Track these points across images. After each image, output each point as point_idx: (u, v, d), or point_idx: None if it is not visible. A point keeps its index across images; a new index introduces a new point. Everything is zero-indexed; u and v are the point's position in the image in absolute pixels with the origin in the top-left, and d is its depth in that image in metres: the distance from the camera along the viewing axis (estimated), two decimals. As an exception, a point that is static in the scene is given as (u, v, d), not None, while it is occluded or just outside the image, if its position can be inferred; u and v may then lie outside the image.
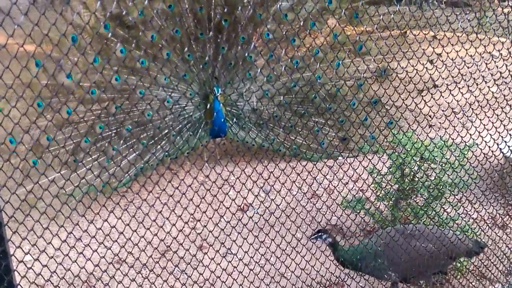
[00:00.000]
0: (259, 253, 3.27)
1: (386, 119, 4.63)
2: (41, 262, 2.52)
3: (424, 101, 3.00)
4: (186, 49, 4.84)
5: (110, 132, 4.71)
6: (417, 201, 3.56)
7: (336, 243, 3.41)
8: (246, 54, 4.98)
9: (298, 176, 3.65)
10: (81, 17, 4.25)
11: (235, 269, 3.23)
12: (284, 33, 4.91)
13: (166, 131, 4.97)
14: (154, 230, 3.51)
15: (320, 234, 3.38)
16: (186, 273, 3.48)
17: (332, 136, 5.27)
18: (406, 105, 2.96)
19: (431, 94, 3.29)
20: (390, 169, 3.32)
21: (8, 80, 1.91)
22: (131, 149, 4.78)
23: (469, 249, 3.47)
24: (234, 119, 5.24)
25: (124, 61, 4.63)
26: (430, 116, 3.18)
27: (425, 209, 3.39)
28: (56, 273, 2.76)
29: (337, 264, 3.46)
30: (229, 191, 3.26)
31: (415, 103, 2.89)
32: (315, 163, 4.41)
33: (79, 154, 4.47)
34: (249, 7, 4.82)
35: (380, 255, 3.28)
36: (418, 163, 3.31)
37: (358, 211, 3.58)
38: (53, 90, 4.19)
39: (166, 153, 4.95)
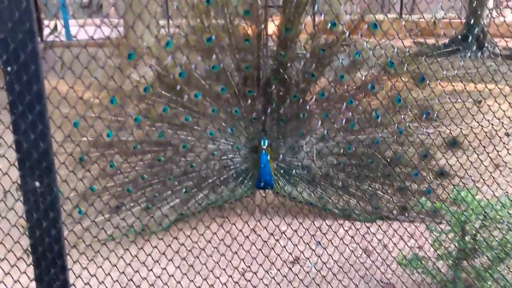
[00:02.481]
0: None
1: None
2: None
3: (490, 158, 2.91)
4: (233, 105, 4.92)
5: (153, 181, 4.82)
6: (480, 262, 3.37)
7: None
8: (298, 111, 4.96)
9: (357, 231, 3.60)
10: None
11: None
12: (339, 94, 4.83)
13: (211, 180, 5.02)
14: (211, 281, 3.54)
15: None
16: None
17: (389, 201, 5.03)
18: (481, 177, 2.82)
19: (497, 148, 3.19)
20: (451, 227, 3.19)
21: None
22: (174, 196, 4.86)
23: None
24: (282, 174, 5.20)
25: (166, 119, 4.75)
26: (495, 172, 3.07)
27: (489, 271, 3.20)
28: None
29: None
30: (286, 244, 3.25)
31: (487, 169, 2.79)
32: (370, 224, 4.30)
33: (123, 199, 4.64)
34: (301, 65, 4.81)
35: None
36: (481, 221, 3.17)
37: (418, 269, 3.43)
38: (95, 145, 4.44)
39: (209, 201, 4.99)
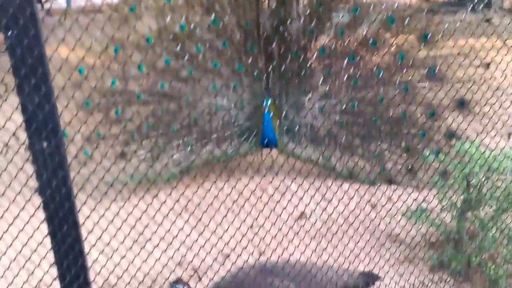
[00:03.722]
0: (321, 259, 3.31)
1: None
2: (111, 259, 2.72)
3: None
4: (235, 60, 4.90)
5: (156, 132, 4.90)
6: (484, 212, 3.43)
7: None
8: (300, 69, 4.91)
9: (361, 185, 3.67)
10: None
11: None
12: (341, 50, 4.75)
13: (214, 135, 5.06)
14: (219, 233, 3.65)
15: (177, 286, 3.25)
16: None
17: (396, 162, 4.98)
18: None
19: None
20: (454, 182, 3.24)
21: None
22: (178, 149, 4.94)
23: (352, 284, 3.16)
24: (286, 131, 5.20)
25: (168, 71, 4.78)
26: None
27: (494, 221, 3.26)
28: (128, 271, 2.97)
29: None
30: (291, 198, 3.32)
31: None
32: (377, 186, 4.32)
33: (129, 147, 4.73)
34: (300, 21, 4.74)
35: None
36: (485, 173, 3.20)
37: (421, 221, 3.51)
38: (101, 93, 4.52)
39: (213, 156, 5.06)
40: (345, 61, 4.72)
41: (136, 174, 4.44)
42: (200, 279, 3.84)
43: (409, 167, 4.81)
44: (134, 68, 4.53)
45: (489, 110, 2.68)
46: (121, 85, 4.55)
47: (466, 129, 2.68)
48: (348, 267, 3.28)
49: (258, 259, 3.56)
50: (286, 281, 3.08)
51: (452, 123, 4.40)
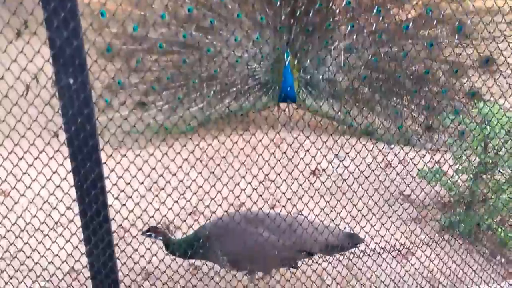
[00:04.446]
0: (329, 217, 3.35)
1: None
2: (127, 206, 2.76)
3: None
4: (257, 12, 4.83)
5: (176, 83, 4.89)
6: (497, 177, 3.45)
7: (167, 239, 3.31)
8: (323, 21, 4.85)
9: (375, 146, 3.66)
10: None
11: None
12: (365, 2, 4.68)
13: (233, 89, 5.04)
14: (230, 187, 3.69)
15: (149, 233, 3.29)
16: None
17: (415, 120, 4.96)
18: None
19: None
20: (472, 143, 3.23)
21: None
22: (196, 101, 4.94)
23: (333, 243, 3.20)
24: (305, 86, 5.18)
25: (191, 19, 4.72)
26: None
27: (507, 186, 3.27)
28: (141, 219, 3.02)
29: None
30: (304, 156, 3.33)
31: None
32: (391, 146, 4.30)
33: (148, 98, 4.74)
34: None
35: (211, 238, 3.13)
36: (503, 137, 3.19)
37: (434, 183, 3.53)
38: (123, 39, 4.48)
39: (230, 110, 5.06)
40: (371, 13, 4.64)
41: (154, 124, 4.46)
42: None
43: (428, 126, 4.82)
44: (156, 15, 4.47)
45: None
46: (143, 32, 4.50)
47: (491, 87, 2.65)
48: (333, 226, 3.30)
49: (242, 209, 3.60)
50: (267, 232, 3.15)
51: (476, 81, 4.35)
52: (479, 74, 4.17)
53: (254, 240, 3.15)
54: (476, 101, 4.61)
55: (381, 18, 4.66)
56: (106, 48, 4.26)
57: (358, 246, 3.37)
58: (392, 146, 3.76)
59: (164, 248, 3.34)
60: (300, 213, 3.71)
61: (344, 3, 4.72)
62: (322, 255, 3.39)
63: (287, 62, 4.71)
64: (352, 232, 3.42)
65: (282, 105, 5.23)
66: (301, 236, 3.17)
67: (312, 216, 3.44)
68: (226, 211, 3.40)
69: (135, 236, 3.09)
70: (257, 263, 3.28)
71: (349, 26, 4.79)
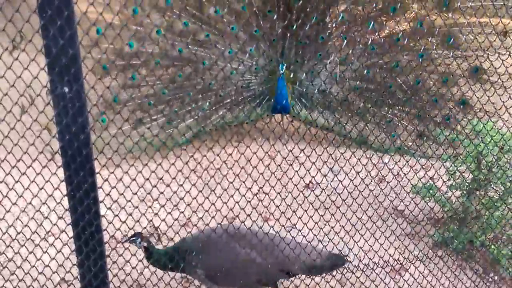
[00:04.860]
0: (323, 231, 3.33)
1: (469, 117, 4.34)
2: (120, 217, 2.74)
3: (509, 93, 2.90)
4: (253, 25, 4.88)
5: (172, 97, 4.91)
6: (490, 194, 3.46)
7: (152, 246, 3.25)
8: (317, 35, 4.91)
9: (369, 160, 3.67)
10: None
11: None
12: (360, 16, 4.75)
13: (228, 100, 5.07)
14: (224, 199, 3.67)
15: (134, 238, 3.24)
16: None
17: (406, 129, 5.02)
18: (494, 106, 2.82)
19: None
20: (466, 159, 3.25)
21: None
22: (192, 114, 4.96)
23: (315, 264, 3.16)
24: (299, 98, 5.22)
25: (187, 33, 4.76)
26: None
27: (500, 203, 3.28)
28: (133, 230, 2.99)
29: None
30: (299, 169, 3.32)
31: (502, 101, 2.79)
32: (382, 155, 4.33)
33: (142, 114, 4.75)
34: None
35: (191, 252, 3.09)
36: (496, 154, 3.21)
37: (428, 199, 3.53)
38: (117, 54, 4.50)
39: (224, 121, 5.08)
40: (364, 27, 4.72)
41: (148, 135, 4.46)
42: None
43: (419, 134, 4.87)
44: (152, 30, 4.51)
45: (507, 80, 2.67)
46: (139, 47, 4.54)
47: (481, 97, 2.66)
48: (315, 246, 3.26)
49: (229, 222, 3.58)
50: (248, 249, 3.10)
51: (467, 91, 4.43)
52: (469, 83, 4.22)
53: (234, 255, 3.10)
54: (466, 110, 4.66)
55: (374, 31, 4.74)
56: (102, 65, 4.29)
57: (341, 266, 3.30)
58: (387, 160, 3.76)
59: (145, 259, 3.28)
60: (288, 228, 3.70)
61: (337, 17, 4.80)
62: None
63: (281, 74, 4.74)
64: (334, 252, 3.38)
65: (277, 117, 5.26)
66: (282, 255, 3.12)
67: (305, 231, 3.43)
68: (220, 223, 3.37)
69: (128, 248, 3.06)
70: (234, 280, 3.21)
71: (343, 39, 4.87)
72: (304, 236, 3.27)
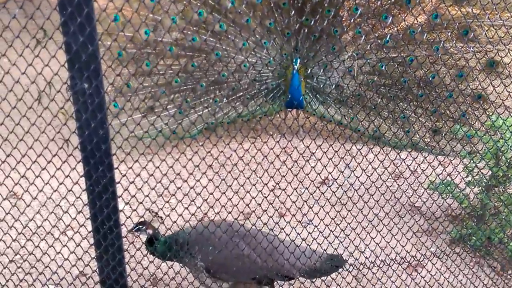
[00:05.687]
0: (339, 227, 3.33)
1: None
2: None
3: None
4: (267, 17, 4.87)
5: (185, 87, 4.92)
6: (510, 191, 3.41)
7: (156, 234, 3.21)
8: (332, 28, 4.86)
9: (387, 156, 3.64)
10: None
11: (314, 240, 3.32)
12: (373, 8, 4.69)
13: (241, 93, 5.05)
14: (240, 194, 3.69)
15: (140, 226, 3.20)
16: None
17: (421, 126, 4.96)
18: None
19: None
20: (484, 156, 3.20)
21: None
22: (204, 105, 4.97)
23: (313, 267, 3.15)
24: (313, 92, 5.18)
25: (202, 23, 4.76)
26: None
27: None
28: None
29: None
30: (315, 165, 3.32)
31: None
32: (400, 151, 4.30)
33: (154, 102, 4.78)
34: None
35: (192, 243, 3.08)
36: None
37: (445, 195, 3.50)
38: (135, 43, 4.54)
39: (238, 114, 5.07)
40: (378, 19, 4.67)
41: (163, 128, 4.49)
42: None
43: (435, 130, 4.81)
44: (168, 19, 4.53)
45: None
46: (154, 36, 4.56)
47: (497, 87, 2.62)
48: (313, 249, 3.24)
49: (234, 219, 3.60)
50: (247, 247, 3.11)
51: (482, 82, 4.36)
52: (489, 78, 4.15)
53: (239, 251, 3.10)
54: (482, 104, 4.58)
55: (388, 23, 4.68)
56: (117, 52, 4.32)
57: (340, 268, 3.29)
58: (404, 157, 3.73)
59: (145, 247, 3.24)
60: (305, 223, 3.69)
61: (351, 10, 4.76)
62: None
63: (296, 68, 4.71)
64: (333, 254, 3.35)
65: (293, 112, 5.24)
66: (280, 258, 3.10)
67: (321, 226, 3.42)
68: (236, 219, 3.39)
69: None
70: (234, 275, 3.21)
71: (357, 32, 4.82)
72: (320, 232, 3.26)
